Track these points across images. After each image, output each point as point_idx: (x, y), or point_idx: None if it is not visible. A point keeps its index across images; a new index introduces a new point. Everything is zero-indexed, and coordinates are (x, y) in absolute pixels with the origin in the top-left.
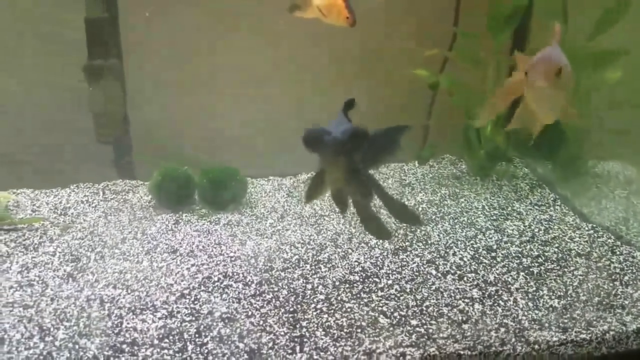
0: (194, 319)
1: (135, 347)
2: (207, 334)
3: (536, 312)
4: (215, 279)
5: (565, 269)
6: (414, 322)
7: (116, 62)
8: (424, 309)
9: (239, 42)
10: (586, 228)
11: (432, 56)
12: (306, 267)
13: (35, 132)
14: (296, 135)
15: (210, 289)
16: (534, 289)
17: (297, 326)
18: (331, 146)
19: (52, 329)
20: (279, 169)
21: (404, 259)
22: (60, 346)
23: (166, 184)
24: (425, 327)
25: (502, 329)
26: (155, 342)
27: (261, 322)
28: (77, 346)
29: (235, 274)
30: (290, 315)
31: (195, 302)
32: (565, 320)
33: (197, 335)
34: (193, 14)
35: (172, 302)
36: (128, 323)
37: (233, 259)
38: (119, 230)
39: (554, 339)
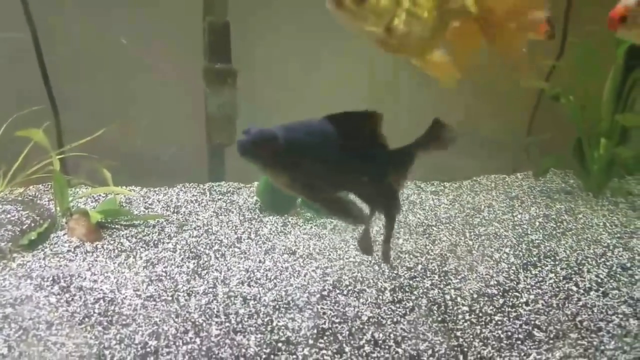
0: (342, 321)
1: (292, 346)
2: (360, 336)
3: None
4: (347, 282)
5: None
6: (573, 336)
7: (233, 68)
8: (578, 323)
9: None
10: None
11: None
12: (434, 277)
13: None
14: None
15: (345, 293)
16: None
17: (452, 336)
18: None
19: (204, 325)
20: None
21: (538, 274)
22: (219, 342)
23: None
24: (587, 339)
25: None
26: (311, 342)
27: (412, 330)
28: (234, 342)
29: (365, 279)
30: (441, 324)
31: (336, 304)
32: None
33: (351, 338)
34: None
35: (314, 303)
36: (278, 321)
37: (356, 264)
38: (232, 230)
39: None
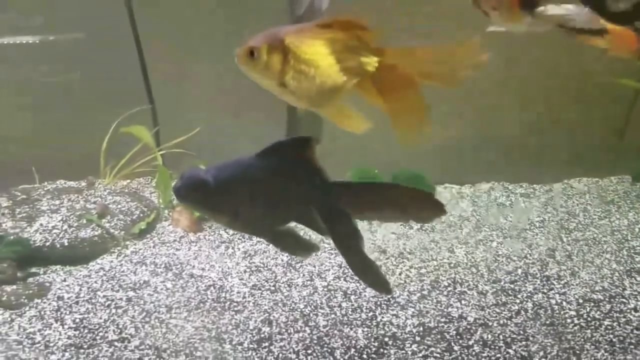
0: (447, 320)
1: (399, 342)
2: (469, 337)
3: None
4: (445, 283)
5: None
6: None
7: None
8: None
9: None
10: None
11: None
12: (536, 281)
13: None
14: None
15: (445, 294)
16: None
17: (563, 339)
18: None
19: (311, 315)
20: (455, 177)
21: None
22: (328, 332)
23: None
24: None
25: None
26: (418, 338)
27: (520, 332)
28: (343, 334)
29: (464, 281)
30: (550, 328)
31: (438, 304)
32: None
33: (459, 337)
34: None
35: (415, 302)
36: (382, 317)
37: (452, 265)
38: None
39: None
